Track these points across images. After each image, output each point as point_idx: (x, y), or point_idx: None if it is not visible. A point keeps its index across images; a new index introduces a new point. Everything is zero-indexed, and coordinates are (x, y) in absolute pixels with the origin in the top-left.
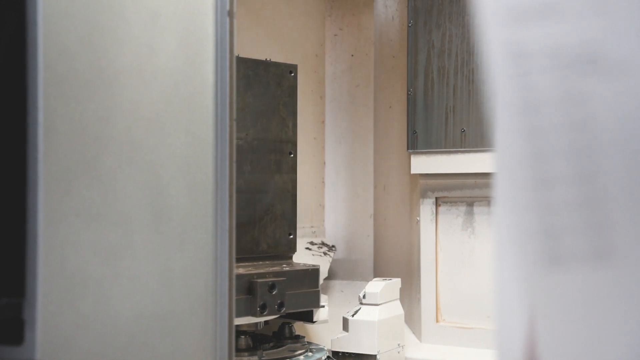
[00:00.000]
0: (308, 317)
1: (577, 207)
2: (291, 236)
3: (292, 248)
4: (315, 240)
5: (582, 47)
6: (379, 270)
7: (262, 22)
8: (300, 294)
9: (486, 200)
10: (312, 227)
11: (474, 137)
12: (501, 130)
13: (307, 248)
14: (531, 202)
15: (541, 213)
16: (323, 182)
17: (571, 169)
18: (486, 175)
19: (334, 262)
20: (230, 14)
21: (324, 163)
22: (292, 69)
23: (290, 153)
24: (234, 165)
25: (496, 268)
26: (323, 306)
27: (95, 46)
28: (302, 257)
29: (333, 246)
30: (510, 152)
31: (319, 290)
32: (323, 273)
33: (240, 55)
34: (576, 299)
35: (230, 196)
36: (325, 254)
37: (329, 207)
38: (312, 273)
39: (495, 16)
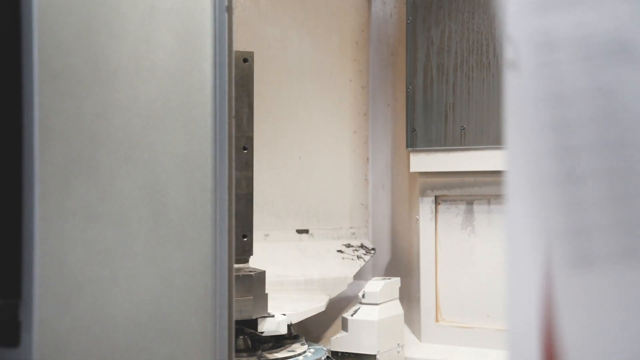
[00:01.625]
0: (254, 326)
1: (608, 204)
2: (245, 238)
3: (248, 250)
4: (353, 243)
5: (612, 36)
6: (378, 270)
7: (292, 7)
8: None
9: (486, 199)
10: (351, 228)
11: (474, 135)
12: (526, 123)
13: (339, 251)
14: (558, 199)
15: (569, 211)
16: (366, 179)
17: (601, 164)
18: (486, 173)
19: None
20: (229, 9)
21: (367, 159)
22: (247, 56)
23: (245, 148)
24: (233, 163)
25: (508, 267)
26: (272, 315)
27: (91, 42)
28: (328, 261)
29: (373, 249)
30: (536, 146)
31: (251, 299)
32: (347, 279)
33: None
34: (606, 300)
35: (230, 195)
36: (359, 257)
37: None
38: (243, 279)
39: (521, 4)
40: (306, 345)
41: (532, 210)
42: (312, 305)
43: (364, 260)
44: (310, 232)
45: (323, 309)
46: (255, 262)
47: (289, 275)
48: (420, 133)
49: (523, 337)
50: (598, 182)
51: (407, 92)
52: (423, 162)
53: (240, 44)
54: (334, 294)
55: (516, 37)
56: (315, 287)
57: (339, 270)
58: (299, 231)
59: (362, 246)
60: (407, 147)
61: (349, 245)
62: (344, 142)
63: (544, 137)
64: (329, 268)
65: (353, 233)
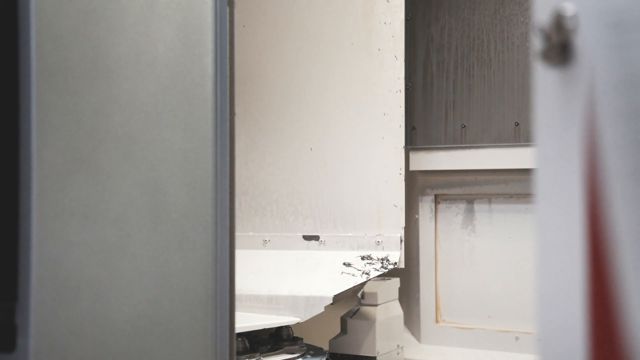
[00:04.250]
0: None
1: None
2: None
3: None
4: (375, 254)
5: None
6: None
7: None
8: None
9: (487, 198)
10: (378, 235)
11: (475, 133)
12: (598, 112)
13: (345, 264)
14: (631, 194)
15: None
16: (401, 173)
17: None
18: (487, 171)
19: None
20: (230, 3)
21: (404, 148)
22: None
23: None
24: (235, 161)
25: (542, 267)
26: None
27: (90, 35)
28: (319, 275)
29: (394, 263)
30: (610, 137)
31: None
32: (324, 299)
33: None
34: None
35: (231, 194)
36: (365, 273)
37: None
38: None
39: None
40: (305, 348)
41: (577, 207)
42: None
43: (367, 277)
44: (321, 239)
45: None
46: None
47: (253, 290)
48: (420, 131)
49: (562, 335)
50: None
51: (406, 89)
52: (423, 160)
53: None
54: (306, 316)
55: (584, 17)
56: (282, 306)
57: (319, 288)
58: (307, 237)
59: (384, 259)
60: (406, 145)
61: (365, 257)
62: (370, 128)
63: (618, 126)
64: (307, 285)
65: (379, 242)
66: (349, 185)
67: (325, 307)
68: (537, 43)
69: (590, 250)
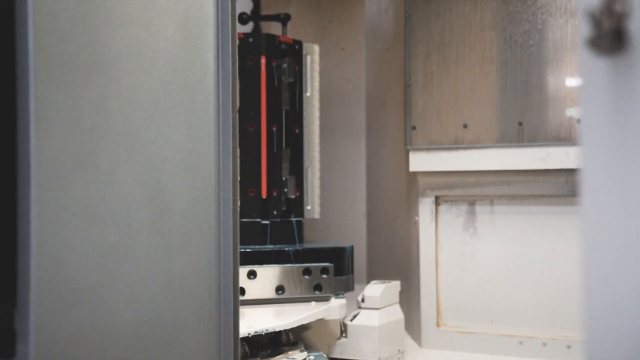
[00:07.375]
0: None
1: None
2: None
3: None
4: None
5: None
6: (374, 273)
7: None
8: None
9: (489, 199)
10: None
11: (477, 133)
12: None
13: None
14: None
15: None
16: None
17: None
18: (489, 172)
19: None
20: None
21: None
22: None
23: None
24: (238, 159)
25: (592, 269)
26: None
27: (89, 28)
28: None
29: None
30: None
31: None
32: None
33: None
34: None
35: (234, 194)
36: None
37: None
38: None
39: None
40: (305, 352)
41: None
42: None
43: None
44: None
45: None
46: None
47: None
48: (420, 131)
49: (618, 341)
50: None
51: (405, 88)
52: (423, 161)
53: None
54: None
55: None
56: None
57: None
58: None
59: None
60: (406, 145)
61: None
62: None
63: None
64: None
65: None
66: None
67: None
68: (585, 30)
69: None
